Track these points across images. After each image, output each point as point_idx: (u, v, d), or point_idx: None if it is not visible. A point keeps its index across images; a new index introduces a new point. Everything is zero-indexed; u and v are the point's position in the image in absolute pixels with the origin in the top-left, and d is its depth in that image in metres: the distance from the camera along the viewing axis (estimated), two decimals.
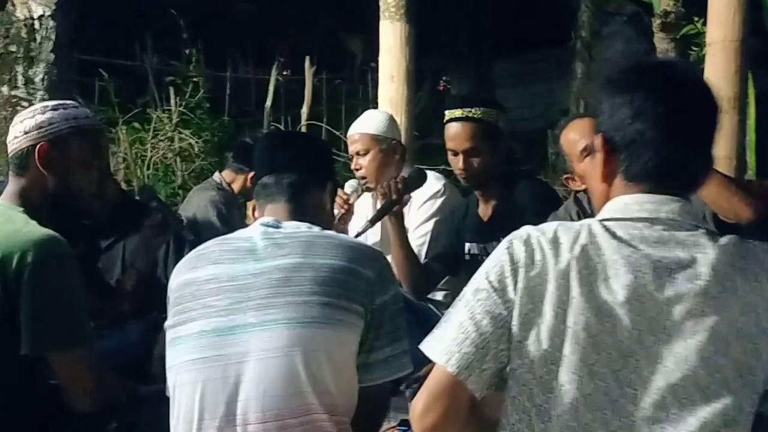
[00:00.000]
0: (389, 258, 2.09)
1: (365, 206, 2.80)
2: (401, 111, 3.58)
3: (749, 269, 1.10)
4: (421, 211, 2.68)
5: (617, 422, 1.07)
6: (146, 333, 2.17)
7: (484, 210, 2.47)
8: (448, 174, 3.10)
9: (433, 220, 2.65)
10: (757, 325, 1.08)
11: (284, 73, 6.81)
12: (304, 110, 6.13)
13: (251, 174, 3.05)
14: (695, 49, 3.47)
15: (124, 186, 4.38)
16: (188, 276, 1.46)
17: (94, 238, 2.67)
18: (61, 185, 1.68)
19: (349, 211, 2.54)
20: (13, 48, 3.65)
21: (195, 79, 5.91)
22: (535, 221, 1.22)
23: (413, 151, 3.68)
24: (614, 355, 1.08)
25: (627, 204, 1.14)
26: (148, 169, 5.33)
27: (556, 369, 1.08)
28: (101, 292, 2.36)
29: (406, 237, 2.45)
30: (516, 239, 1.15)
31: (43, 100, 3.15)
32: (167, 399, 1.44)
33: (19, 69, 3.65)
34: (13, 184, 1.67)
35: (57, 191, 1.68)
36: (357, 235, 2.35)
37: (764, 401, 1.12)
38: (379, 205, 2.45)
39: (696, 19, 3.40)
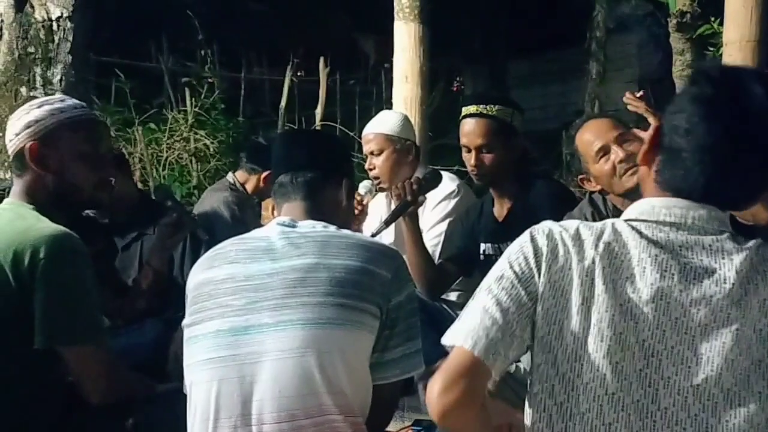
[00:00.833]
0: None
1: (380, 207, 2.81)
2: (415, 111, 3.59)
3: None
4: (436, 212, 2.68)
5: (639, 423, 1.07)
6: (163, 331, 2.19)
7: (499, 210, 2.47)
8: (462, 175, 3.10)
9: (447, 221, 2.65)
10: None
11: (298, 73, 6.83)
12: (319, 111, 6.14)
13: (264, 174, 3.06)
14: (711, 49, 3.45)
15: (140, 186, 4.41)
16: (205, 275, 1.47)
17: (111, 236, 2.70)
18: (59, 181, 1.67)
19: (363, 212, 2.54)
20: (31, 49, 3.69)
21: (210, 80, 5.94)
22: None
23: (427, 151, 3.69)
24: (637, 355, 1.08)
25: (654, 206, 1.14)
26: (164, 169, 5.36)
27: (579, 366, 1.08)
28: (118, 291, 2.38)
29: (421, 238, 2.45)
30: (538, 232, 1.15)
31: None
32: (184, 396, 1.45)
33: (38, 70, 3.69)
34: (17, 184, 1.69)
35: (57, 187, 1.67)
36: (372, 236, 2.35)
37: None
38: (393, 206, 2.45)
39: (712, 19, 3.38)
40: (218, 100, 5.84)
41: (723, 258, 1.10)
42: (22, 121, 1.67)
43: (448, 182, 2.69)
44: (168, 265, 2.60)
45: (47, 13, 3.68)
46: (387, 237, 2.62)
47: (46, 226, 1.57)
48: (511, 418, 1.23)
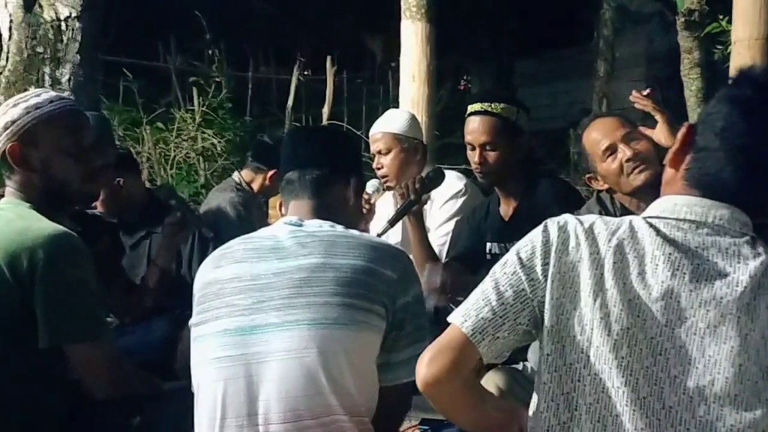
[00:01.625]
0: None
1: (387, 206, 2.81)
2: (422, 110, 3.59)
3: None
4: (443, 211, 2.68)
5: (645, 420, 1.07)
6: (170, 330, 2.20)
7: (506, 209, 2.46)
8: (469, 173, 3.09)
9: (454, 220, 2.65)
10: None
11: (305, 73, 6.84)
12: (325, 110, 6.15)
13: (270, 173, 3.06)
14: (720, 47, 3.43)
15: (148, 185, 4.43)
16: (212, 275, 1.47)
17: (118, 235, 2.71)
18: (46, 179, 1.64)
19: (370, 211, 2.54)
20: (40, 49, 3.71)
21: (217, 80, 5.95)
22: None
23: (434, 150, 3.68)
24: (645, 351, 1.08)
25: (676, 204, 1.14)
26: (172, 168, 5.38)
27: (586, 358, 1.09)
28: (125, 290, 2.39)
29: (426, 237, 2.45)
30: (552, 224, 1.16)
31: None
32: (191, 395, 1.45)
33: (46, 70, 3.70)
34: (9, 184, 1.67)
35: (45, 185, 1.64)
36: (378, 237, 2.35)
37: None
38: (398, 206, 2.45)
39: (721, 17, 3.36)
40: (225, 100, 5.86)
41: (738, 262, 1.09)
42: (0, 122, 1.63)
43: (455, 181, 2.68)
44: (176, 263, 2.61)
45: (56, 13, 3.69)
46: (393, 237, 2.62)
47: (45, 226, 1.56)
48: (520, 417, 1.22)
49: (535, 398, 1.14)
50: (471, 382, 1.18)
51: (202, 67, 6.25)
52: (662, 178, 1.21)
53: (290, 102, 6.31)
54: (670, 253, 1.09)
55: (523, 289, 1.13)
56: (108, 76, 5.67)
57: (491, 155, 2.36)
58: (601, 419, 1.08)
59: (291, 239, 1.46)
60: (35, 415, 1.56)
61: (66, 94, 3.54)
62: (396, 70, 4.58)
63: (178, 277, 2.62)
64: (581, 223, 1.15)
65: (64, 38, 3.71)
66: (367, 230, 2.51)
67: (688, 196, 1.13)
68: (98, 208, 2.70)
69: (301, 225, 1.50)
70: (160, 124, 5.66)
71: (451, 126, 5.22)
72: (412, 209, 2.35)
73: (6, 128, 1.62)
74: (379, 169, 2.73)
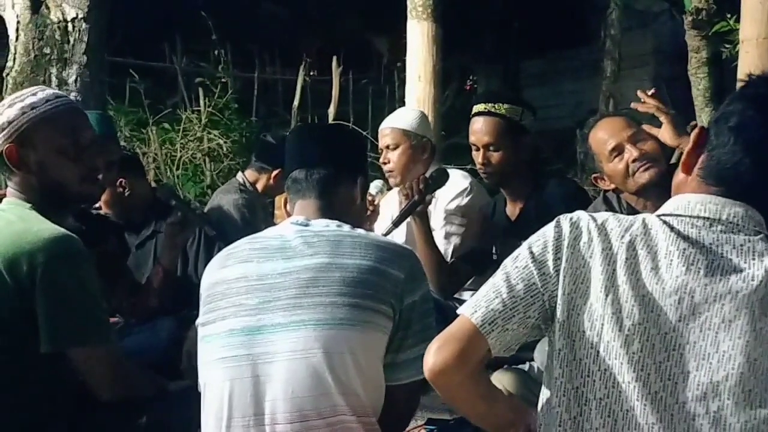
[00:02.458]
0: None
1: (391, 207, 2.80)
2: (428, 110, 3.58)
3: None
4: (447, 209, 2.67)
5: (656, 415, 1.06)
6: (176, 330, 2.20)
7: (512, 209, 2.45)
8: (475, 173, 3.08)
9: (459, 219, 2.64)
10: None
11: (311, 73, 6.84)
12: (331, 110, 6.16)
13: (274, 173, 3.06)
14: (727, 46, 3.41)
15: (154, 185, 4.44)
16: (219, 275, 1.47)
17: (123, 236, 2.72)
18: (44, 180, 1.61)
19: (374, 212, 2.54)
20: (47, 50, 3.72)
21: (223, 80, 5.97)
22: None
23: (440, 150, 3.67)
24: (658, 347, 1.08)
25: (690, 201, 1.14)
26: (178, 169, 5.39)
27: (596, 353, 1.09)
28: (130, 290, 2.40)
29: (431, 236, 2.44)
30: (565, 219, 1.16)
31: (76, 101, 3.20)
32: (197, 395, 1.45)
33: (53, 71, 3.71)
34: (10, 185, 1.66)
35: (43, 186, 1.62)
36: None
37: None
38: (402, 207, 2.44)
39: (728, 15, 3.34)
40: (231, 100, 5.87)
41: (753, 258, 1.09)
42: None
43: (461, 180, 2.68)
44: (182, 263, 2.62)
45: (62, 14, 3.70)
46: (398, 237, 2.62)
47: (45, 228, 1.54)
48: (529, 417, 1.22)
49: (547, 393, 1.15)
50: (478, 373, 1.18)
51: (208, 67, 6.27)
52: (672, 182, 1.21)
53: (296, 102, 6.32)
54: (684, 249, 1.10)
55: (534, 283, 1.14)
56: (114, 76, 5.69)
57: (495, 156, 2.35)
58: (612, 414, 1.08)
59: (297, 239, 1.45)
60: (41, 417, 1.55)
61: (73, 95, 3.56)
62: (402, 70, 4.58)
63: (184, 277, 2.62)
64: (594, 219, 1.15)
65: (71, 39, 3.72)
66: (372, 231, 2.51)
67: (702, 194, 1.14)
68: (102, 209, 2.70)
69: (307, 225, 1.50)
70: (166, 125, 5.67)
71: (457, 126, 5.21)
72: (416, 209, 2.35)
73: (2, 129, 1.60)
74: (385, 163, 2.73)
